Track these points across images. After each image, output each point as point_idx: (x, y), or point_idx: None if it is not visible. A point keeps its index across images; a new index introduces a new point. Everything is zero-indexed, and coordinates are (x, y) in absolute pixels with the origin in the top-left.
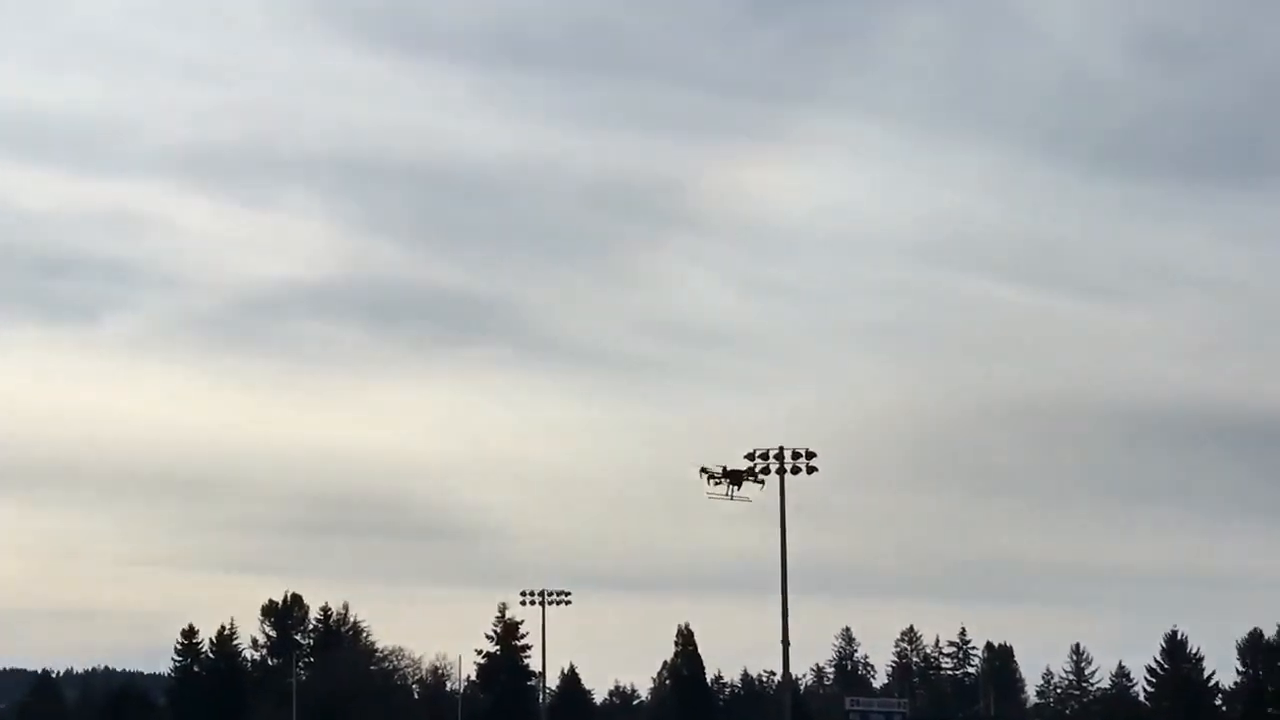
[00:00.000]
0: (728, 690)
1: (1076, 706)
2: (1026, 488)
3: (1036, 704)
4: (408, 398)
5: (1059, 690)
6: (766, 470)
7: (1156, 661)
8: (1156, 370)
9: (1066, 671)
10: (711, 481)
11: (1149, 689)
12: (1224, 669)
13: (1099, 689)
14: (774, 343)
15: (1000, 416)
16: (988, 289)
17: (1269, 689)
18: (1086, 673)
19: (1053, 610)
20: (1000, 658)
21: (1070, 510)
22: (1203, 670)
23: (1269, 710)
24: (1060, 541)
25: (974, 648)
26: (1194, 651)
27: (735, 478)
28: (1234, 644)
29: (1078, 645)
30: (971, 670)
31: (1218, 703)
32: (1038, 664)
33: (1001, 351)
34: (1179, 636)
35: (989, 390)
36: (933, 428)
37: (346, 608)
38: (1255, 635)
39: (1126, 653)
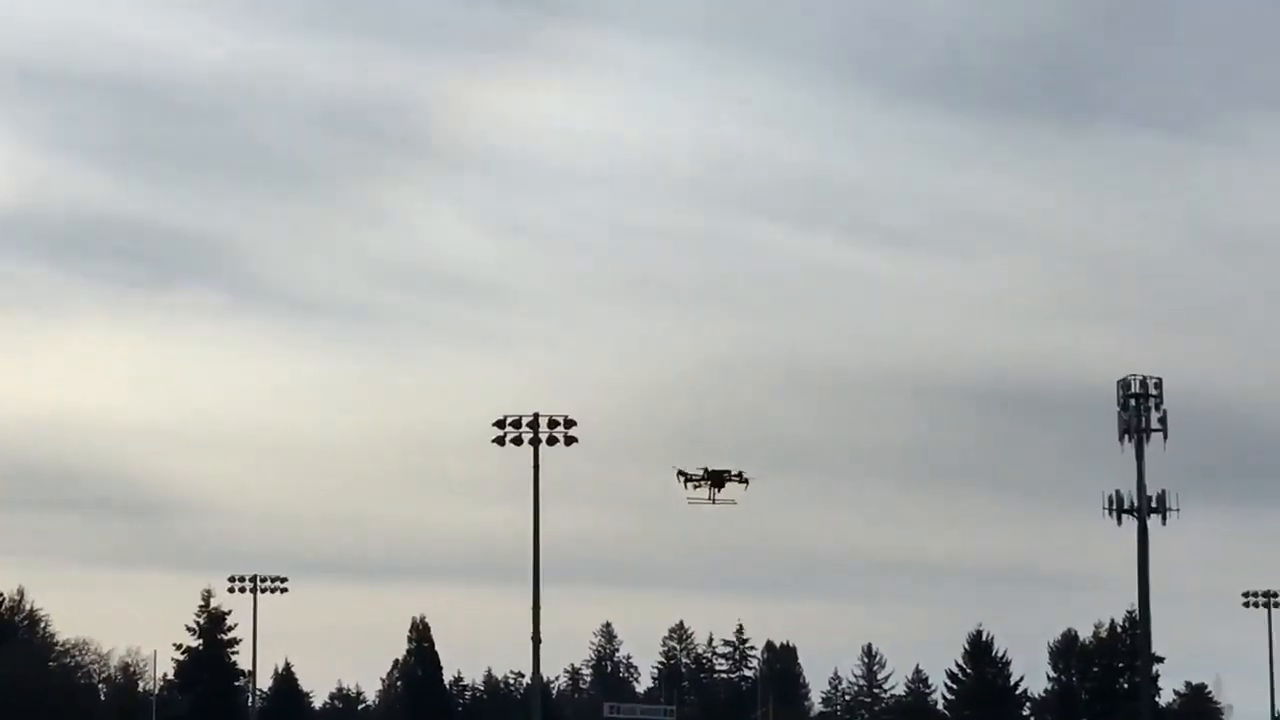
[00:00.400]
0: (469, 694)
1: (867, 715)
2: (815, 466)
3: (822, 711)
4: (99, 348)
5: (848, 696)
6: (519, 440)
7: (958, 665)
8: (965, 333)
9: (856, 675)
10: (691, 485)
11: (949, 696)
12: (1033, 674)
13: (893, 695)
14: (528, 293)
15: (785, 383)
16: (772, 236)
17: (1083, 696)
18: (879, 677)
19: (842, 606)
20: (782, 659)
21: (864, 493)
22: (1009, 675)
23: None
24: (852, 528)
25: (752, 648)
26: (1000, 654)
27: (717, 479)
28: (1045, 647)
29: (869, 646)
30: (749, 673)
31: (1025, 712)
32: (824, 667)
33: (788, 308)
34: (984, 637)
35: (772, 353)
36: (709, 394)
37: (21, 594)
38: (1069, 637)
39: (924, 655)
